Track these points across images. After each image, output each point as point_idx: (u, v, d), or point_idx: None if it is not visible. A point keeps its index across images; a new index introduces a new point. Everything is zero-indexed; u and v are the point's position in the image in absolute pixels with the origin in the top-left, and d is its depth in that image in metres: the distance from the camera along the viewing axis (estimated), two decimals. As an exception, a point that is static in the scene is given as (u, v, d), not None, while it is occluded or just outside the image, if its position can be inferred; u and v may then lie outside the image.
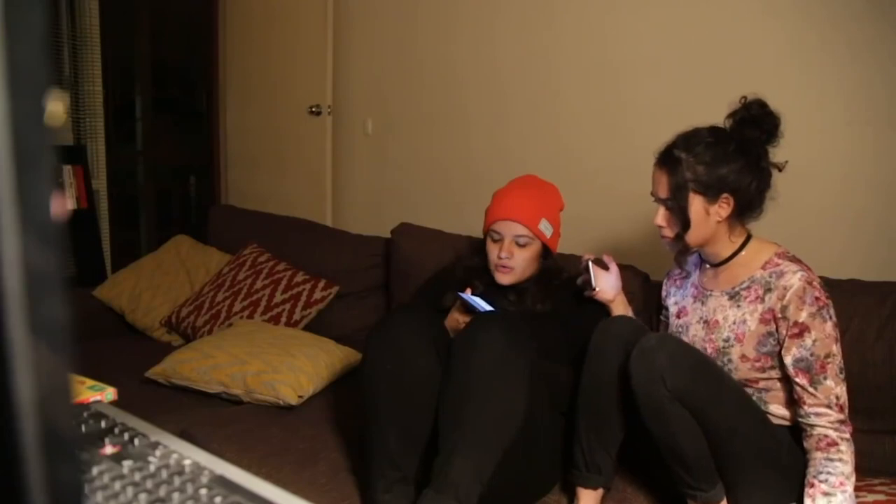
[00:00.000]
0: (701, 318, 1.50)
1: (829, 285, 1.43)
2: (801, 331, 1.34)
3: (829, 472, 1.30)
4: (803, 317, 1.34)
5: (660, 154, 1.44)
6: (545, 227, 1.67)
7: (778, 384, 1.41)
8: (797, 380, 1.34)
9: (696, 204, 1.40)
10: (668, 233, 1.46)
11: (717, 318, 1.46)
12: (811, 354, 1.33)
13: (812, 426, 1.34)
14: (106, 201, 3.00)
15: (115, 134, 3.03)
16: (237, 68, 3.20)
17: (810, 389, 1.33)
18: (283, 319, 2.29)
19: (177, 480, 0.56)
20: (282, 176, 3.07)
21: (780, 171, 1.41)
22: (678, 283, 1.61)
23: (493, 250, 1.68)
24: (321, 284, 2.36)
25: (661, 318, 1.65)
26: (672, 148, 1.41)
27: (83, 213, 2.90)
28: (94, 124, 2.91)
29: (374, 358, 1.45)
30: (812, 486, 1.31)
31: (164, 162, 3.24)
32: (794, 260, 1.40)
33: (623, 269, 1.83)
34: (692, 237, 1.43)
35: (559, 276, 1.73)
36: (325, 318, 2.33)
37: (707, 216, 1.41)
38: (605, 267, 1.63)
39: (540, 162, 2.13)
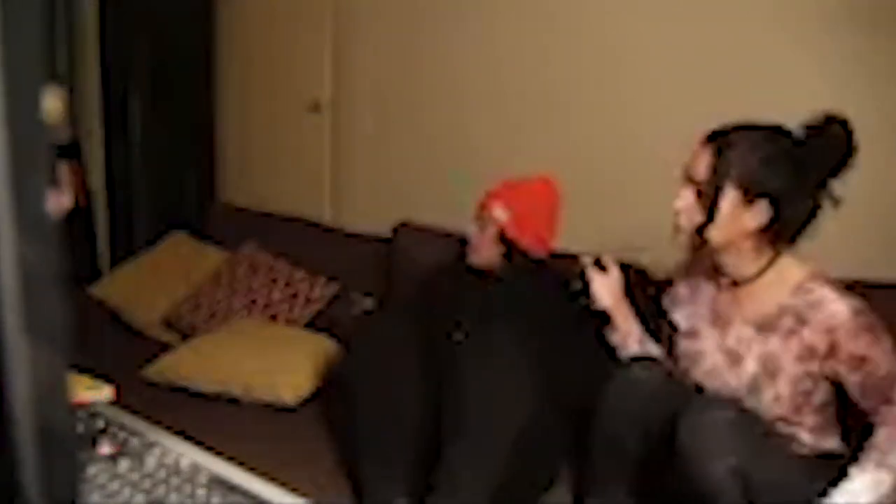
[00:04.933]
0: (720, 347, 1.34)
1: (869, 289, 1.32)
2: (861, 362, 1.21)
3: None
4: (862, 350, 1.20)
5: (713, 131, 1.27)
6: (499, 213, 1.76)
7: (810, 418, 1.28)
8: (865, 402, 1.23)
9: (729, 198, 1.24)
10: (686, 221, 1.29)
11: (740, 352, 1.30)
12: (880, 378, 1.21)
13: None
14: (103, 199, 2.99)
15: (113, 131, 3.02)
16: (236, 65, 3.19)
17: (884, 408, 1.21)
18: (282, 318, 2.29)
19: (174, 480, 0.55)
20: (281, 173, 3.06)
21: (834, 206, 1.25)
22: (688, 294, 1.44)
23: (472, 233, 1.82)
24: (320, 283, 2.36)
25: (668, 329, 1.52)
26: (729, 129, 1.26)
27: (80, 210, 2.90)
28: (90, 121, 2.90)
29: (356, 359, 1.48)
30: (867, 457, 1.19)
31: (162, 159, 3.22)
32: (830, 283, 1.24)
33: (633, 272, 1.82)
34: (714, 233, 1.26)
35: (526, 266, 1.75)
36: (324, 317, 2.32)
37: (736, 217, 1.24)
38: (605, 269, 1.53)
39: (544, 158, 2.12)
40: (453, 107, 2.50)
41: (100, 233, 2.97)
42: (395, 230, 2.35)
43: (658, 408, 1.28)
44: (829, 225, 1.30)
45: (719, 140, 1.25)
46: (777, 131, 1.25)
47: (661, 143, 1.93)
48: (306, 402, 1.86)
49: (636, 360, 1.41)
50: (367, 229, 2.53)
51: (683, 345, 1.40)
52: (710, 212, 1.24)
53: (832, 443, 1.32)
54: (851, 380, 1.23)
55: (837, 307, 1.20)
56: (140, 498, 0.53)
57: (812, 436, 1.29)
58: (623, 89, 2.09)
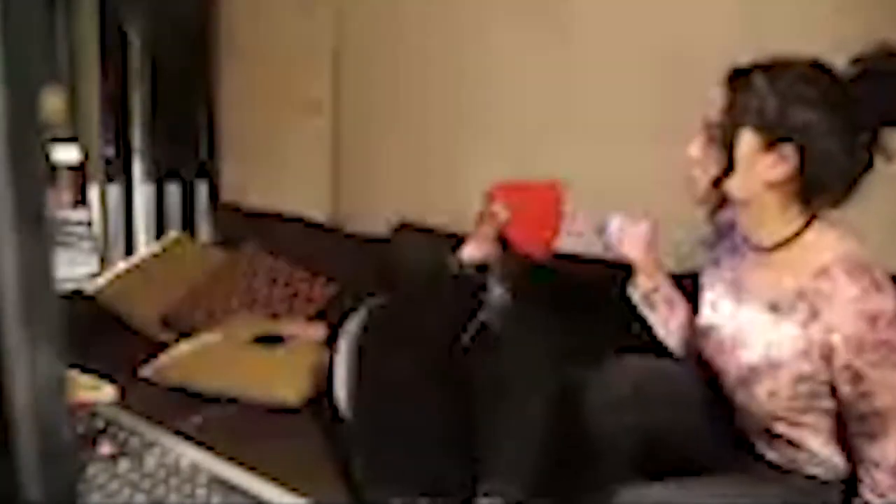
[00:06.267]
0: (730, 323, 1.17)
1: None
2: (857, 380, 1.00)
3: None
4: (862, 367, 0.98)
5: (734, 69, 1.08)
6: (500, 211, 1.73)
7: (822, 421, 1.09)
8: (850, 426, 1.05)
9: (746, 142, 1.04)
10: (700, 171, 1.10)
11: (747, 333, 1.12)
12: (871, 411, 1.00)
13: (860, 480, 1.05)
14: (102, 199, 2.99)
15: (112, 130, 3.02)
16: (236, 64, 3.19)
17: (865, 447, 1.03)
18: (282, 318, 2.29)
19: (174, 480, 0.55)
20: (281, 173, 3.06)
21: (888, 160, 1.03)
22: (719, 256, 1.25)
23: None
24: (320, 283, 2.36)
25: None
26: (752, 67, 1.06)
27: (79, 210, 2.90)
28: (90, 121, 2.90)
29: (353, 359, 1.50)
30: None
31: (162, 159, 3.23)
32: (858, 272, 1.00)
33: (620, 267, 1.83)
34: (733, 185, 1.06)
35: (521, 266, 1.76)
36: (324, 317, 2.32)
37: (754, 165, 1.04)
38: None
39: (546, 159, 2.12)
40: (454, 106, 2.50)
41: (99, 233, 2.98)
42: (395, 230, 2.35)
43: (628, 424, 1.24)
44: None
45: (738, 79, 1.06)
46: (813, 68, 1.04)
47: (660, 145, 1.93)
48: (307, 401, 1.86)
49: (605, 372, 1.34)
50: (367, 229, 2.53)
51: (702, 314, 1.24)
52: (727, 159, 1.05)
53: (840, 460, 1.11)
54: (843, 392, 1.03)
55: (847, 309, 0.98)
56: (140, 498, 0.53)
57: (822, 442, 1.10)
58: (624, 88, 2.09)
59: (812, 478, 1.13)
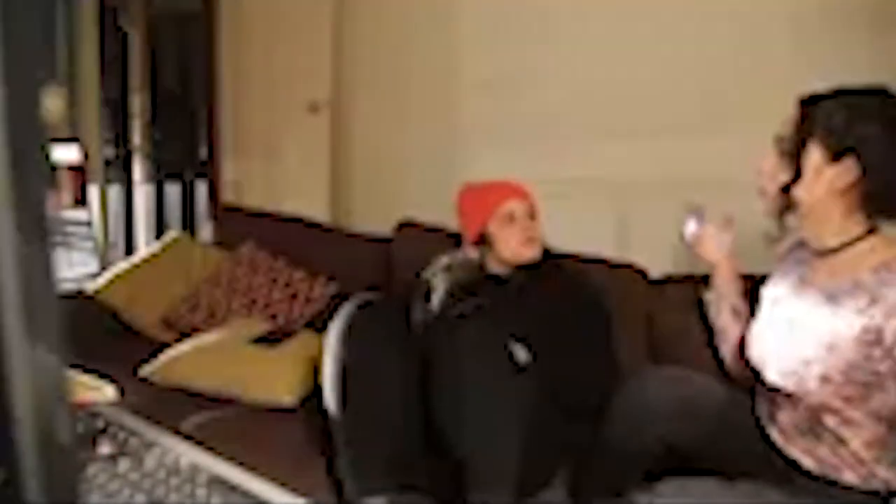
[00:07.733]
0: (790, 312, 1.23)
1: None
2: None
3: None
4: None
5: (805, 94, 1.21)
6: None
7: (867, 423, 1.12)
8: None
9: (813, 154, 1.15)
10: (769, 182, 1.21)
11: (805, 321, 1.18)
12: None
13: None
14: (102, 199, 3.00)
15: (112, 131, 3.03)
16: (236, 64, 3.19)
17: None
18: (281, 318, 2.29)
19: (174, 480, 0.55)
20: (281, 172, 3.07)
21: None
22: (788, 267, 1.33)
23: (513, 231, 1.70)
24: (320, 283, 2.36)
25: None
26: (823, 93, 1.19)
27: (79, 210, 2.90)
28: (90, 121, 2.91)
29: (341, 358, 1.50)
30: None
31: (162, 159, 3.23)
32: None
33: (621, 268, 1.82)
34: (800, 192, 1.17)
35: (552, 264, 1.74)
36: (324, 317, 2.32)
37: (820, 175, 1.15)
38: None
39: (546, 158, 2.12)
40: (455, 105, 2.50)
41: (98, 233, 2.98)
42: (396, 230, 2.35)
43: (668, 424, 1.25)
44: None
45: (809, 101, 1.19)
46: (877, 93, 1.16)
47: (659, 142, 1.93)
48: (305, 401, 1.86)
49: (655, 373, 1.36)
50: (367, 229, 2.53)
51: (762, 308, 1.32)
52: (795, 168, 1.16)
53: (881, 469, 1.13)
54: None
55: None
56: (140, 498, 0.53)
57: (866, 444, 1.12)
58: (623, 88, 2.09)
59: (850, 489, 1.14)
